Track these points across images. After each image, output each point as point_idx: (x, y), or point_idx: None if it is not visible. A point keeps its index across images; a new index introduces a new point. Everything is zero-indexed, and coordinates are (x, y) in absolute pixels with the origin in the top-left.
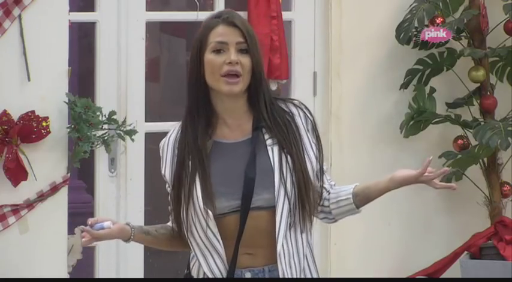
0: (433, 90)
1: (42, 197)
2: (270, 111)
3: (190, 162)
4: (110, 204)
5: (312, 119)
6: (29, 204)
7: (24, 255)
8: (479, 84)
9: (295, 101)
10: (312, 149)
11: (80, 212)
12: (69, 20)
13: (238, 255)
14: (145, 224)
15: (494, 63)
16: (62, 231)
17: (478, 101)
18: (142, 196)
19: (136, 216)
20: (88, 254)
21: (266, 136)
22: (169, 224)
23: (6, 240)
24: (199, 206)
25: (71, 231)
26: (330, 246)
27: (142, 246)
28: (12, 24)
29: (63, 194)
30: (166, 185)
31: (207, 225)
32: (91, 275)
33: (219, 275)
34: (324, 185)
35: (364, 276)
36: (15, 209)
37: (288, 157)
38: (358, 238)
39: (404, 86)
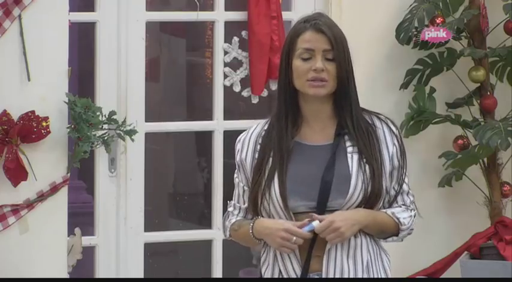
0: (433, 90)
1: (42, 197)
2: (355, 118)
3: (271, 159)
4: (110, 204)
5: (397, 134)
6: (29, 204)
7: (24, 255)
8: (479, 84)
9: (381, 115)
10: (393, 164)
11: (80, 212)
12: (69, 20)
13: (311, 257)
14: (145, 225)
15: (494, 63)
16: (62, 231)
17: (478, 101)
18: (142, 196)
19: (136, 216)
20: (88, 254)
21: (348, 143)
22: (233, 219)
23: (6, 240)
24: (278, 203)
25: (71, 231)
26: None
27: (142, 246)
28: (12, 24)
29: (63, 194)
30: (236, 180)
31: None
32: (91, 275)
33: (293, 275)
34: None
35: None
36: (15, 209)
37: (367, 167)
38: None
39: (404, 86)
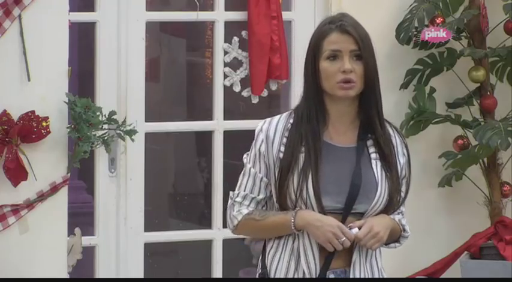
0: (433, 90)
1: (42, 197)
2: (382, 121)
3: (301, 156)
4: (110, 204)
5: (406, 144)
6: (29, 204)
7: (24, 255)
8: (479, 84)
9: (391, 123)
10: (403, 173)
11: (80, 212)
12: (69, 20)
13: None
14: (145, 225)
15: (494, 63)
16: (62, 231)
17: (478, 101)
18: (142, 196)
19: (136, 216)
20: (88, 254)
21: (371, 149)
22: (244, 209)
23: (6, 240)
24: (310, 203)
25: (71, 231)
26: None
27: (142, 246)
28: (12, 24)
29: (63, 194)
30: (252, 170)
31: None
32: (91, 275)
33: (314, 273)
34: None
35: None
36: (15, 209)
37: (389, 175)
38: None
39: (404, 86)
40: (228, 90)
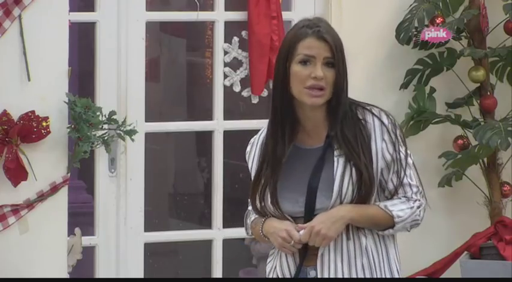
0: (433, 90)
1: (42, 197)
2: (343, 122)
3: (267, 165)
4: (110, 204)
5: (388, 125)
6: (29, 204)
7: (24, 255)
8: (479, 84)
9: (375, 110)
10: (385, 159)
11: (80, 212)
12: (69, 20)
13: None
14: (145, 225)
15: (494, 63)
16: (62, 231)
17: (478, 101)
18: (142, 196)
19: (136, 216)
20: (88, 254)
21: (336, 146)
22: (253, 217)
23: (6, 240)
24: (273, 208)
25: (71, 231)
26: None
27: (142, 246)
28: (12, 24)
29: (63, 194)
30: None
31: None
32: (91, 275)
33: (287, 274)
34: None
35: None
36: (15, 209)
37: (353, 169)
38: None
39: (404, 86)
40: (228, 90)
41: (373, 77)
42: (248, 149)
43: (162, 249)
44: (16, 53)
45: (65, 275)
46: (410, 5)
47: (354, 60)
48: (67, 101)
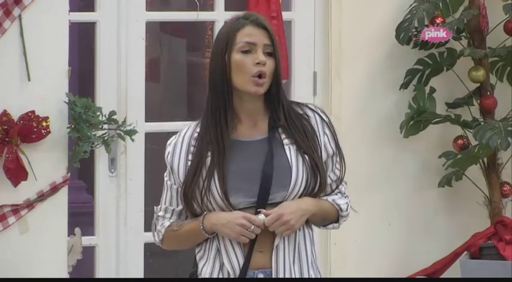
0: (433, 90)
1: (42, 197)
2: (287, 112)
3: (209, 159)
4: (110, 204)
5: (328, 121)
6: (29, 204)
7: (24, 255)
8: (479, 84)
9: (311, 105)
10: (327, 152)
11: (80, 212)
12: (69, 20)
13: (253, 251)
14: (145, 225)
15: (494, 63)
16: (62, 231)
17: (478, 101)
18: (142, 196)
19: (136, 216)
20: (88, 254)
21: (283, 136)
22: (166, 222)
23: (6, 240)
24: (220, 200)
25: (71, 231)
26: (330, 246)
27: (142, 246)
28: (12, 24)
29: (63, 194)
30: (168, 183)
31: None
32: (91, 275)
33: (238, 271)
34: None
35: (364, 276)
36: (15, 209)
37: (306, 157)
38: (358, 238)
39: (404, 86)
40: None
41: (373, 77)
42: (169, 150)
43: (162, 249)
44: (16, 53)
45: (65, 275)
46: (410, 5)
47: (354, 60)
48: (67, 101)
